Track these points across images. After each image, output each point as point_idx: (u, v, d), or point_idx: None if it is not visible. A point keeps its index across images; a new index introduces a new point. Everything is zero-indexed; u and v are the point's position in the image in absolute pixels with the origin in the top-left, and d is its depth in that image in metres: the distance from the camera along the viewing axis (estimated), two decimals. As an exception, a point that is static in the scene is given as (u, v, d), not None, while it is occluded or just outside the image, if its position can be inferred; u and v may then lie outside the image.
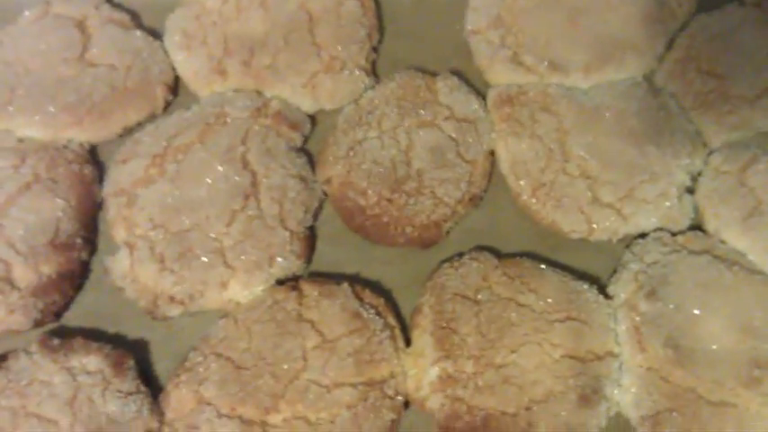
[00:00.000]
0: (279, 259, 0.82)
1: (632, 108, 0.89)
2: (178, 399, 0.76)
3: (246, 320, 0.79)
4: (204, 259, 0.81)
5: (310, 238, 0.86)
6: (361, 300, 0.80)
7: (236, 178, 0.84)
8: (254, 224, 0.82)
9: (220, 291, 0.81)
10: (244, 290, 0.81)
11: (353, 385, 0.75)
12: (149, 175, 0.85)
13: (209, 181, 0.84)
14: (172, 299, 0.80)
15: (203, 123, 0.88)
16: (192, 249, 0.81)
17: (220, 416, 0.74)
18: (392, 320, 0.80)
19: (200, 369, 0.77)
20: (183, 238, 0.82)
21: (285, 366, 0.76)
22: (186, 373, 0.77)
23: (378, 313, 0.80)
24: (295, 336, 0.77)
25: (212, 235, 0.82)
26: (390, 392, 0.76)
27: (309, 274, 0.85)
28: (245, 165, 0.85)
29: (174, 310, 0.81)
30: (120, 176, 0.87)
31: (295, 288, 0.81)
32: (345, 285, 0.81)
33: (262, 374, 0.76)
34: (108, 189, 0.87)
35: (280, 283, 0.82)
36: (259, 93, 0.92)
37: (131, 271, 0.82)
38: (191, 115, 0.90)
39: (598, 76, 0.93)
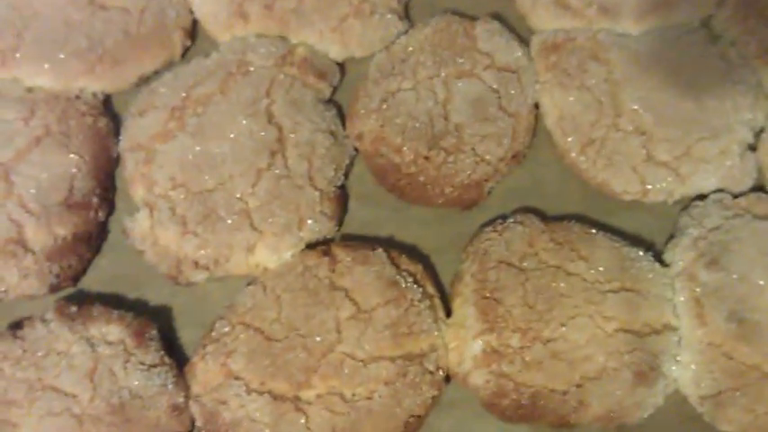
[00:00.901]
0: (309, 221, 0.77)
1: (689, 57, 0.82)
2: (204, 372, 0.72)
3: (276, 288, 0.74)
4: (229, 221, 0.76)
5: (341, 198, 0.80)
6: (397, 266, 0.75)
7: (261, 133, 0.78)
8: (281, 183, 0.77)
9: (247, 255, 0.76)
10: (272, 254, 0.76)
11: (391, 359, 0.71)
12: (168, 129, 0.80)
13: (232, 136, 0.79)
14: (196, 264, 0.76)
15: (224, 72, 0.82)
16: (216, 211, 0.76)
17: (249, 391, 0.70)
18: (431, 289, 0.76)
19: (228, 340, 0.73)
20: (206, 199, 0.77)
21: (318, 338, 0.71)
22: (213, 344, 0.73)
23: (415, 281, 0.75)
24: (328, 305, 0.73)
25: (237, 195, 0.77)
26: (431, 367, 0.72)
27: (341, 237, 0.80)
28: (270, 118, 0.79)
29: (199, 276, 0.76)
30: (136, 130, 0.81)
31: (327, 253, 0.76)
32: (381, 251, 0.76)
33: (293, 347, 0.71)
34: (124, 144, 0.82)
35: (310, 246, 0.77)
36: (283, 38, 0.86)
37: (152, 233, 0.77)
38: (210, 63, 0.84)
39: (651, 22, 0.86)
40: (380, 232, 0.81)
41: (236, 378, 0.71)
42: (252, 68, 0.82)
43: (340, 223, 0.80)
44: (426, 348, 0.72)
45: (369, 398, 0.70)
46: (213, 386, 0.71)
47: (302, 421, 0.69)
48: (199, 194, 0.77)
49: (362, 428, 0.69)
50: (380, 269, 0.74)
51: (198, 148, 0.79)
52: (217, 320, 0.75)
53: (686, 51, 0.83)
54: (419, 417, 0.71)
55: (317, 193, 0.77)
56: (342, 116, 0.85)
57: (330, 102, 0.84)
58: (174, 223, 0.76)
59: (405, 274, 0.75)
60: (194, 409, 0.72)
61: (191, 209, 0.77)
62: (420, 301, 0.73)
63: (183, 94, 0.81)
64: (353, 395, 0.70)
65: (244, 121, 0.79)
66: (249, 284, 0.76)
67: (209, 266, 0.76)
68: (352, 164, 0.83)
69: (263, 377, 0.71)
